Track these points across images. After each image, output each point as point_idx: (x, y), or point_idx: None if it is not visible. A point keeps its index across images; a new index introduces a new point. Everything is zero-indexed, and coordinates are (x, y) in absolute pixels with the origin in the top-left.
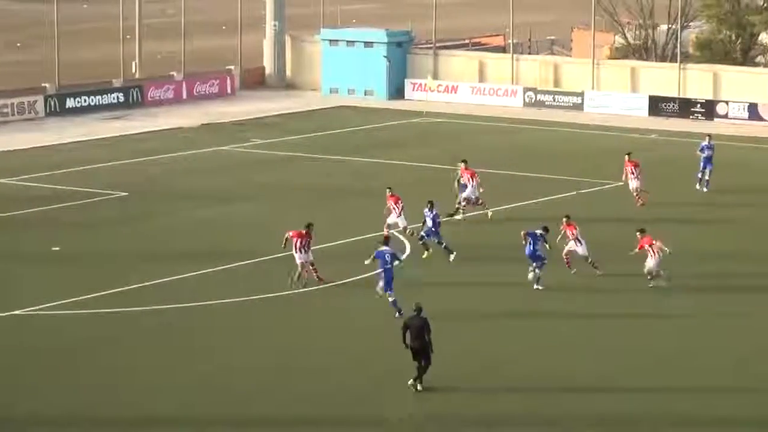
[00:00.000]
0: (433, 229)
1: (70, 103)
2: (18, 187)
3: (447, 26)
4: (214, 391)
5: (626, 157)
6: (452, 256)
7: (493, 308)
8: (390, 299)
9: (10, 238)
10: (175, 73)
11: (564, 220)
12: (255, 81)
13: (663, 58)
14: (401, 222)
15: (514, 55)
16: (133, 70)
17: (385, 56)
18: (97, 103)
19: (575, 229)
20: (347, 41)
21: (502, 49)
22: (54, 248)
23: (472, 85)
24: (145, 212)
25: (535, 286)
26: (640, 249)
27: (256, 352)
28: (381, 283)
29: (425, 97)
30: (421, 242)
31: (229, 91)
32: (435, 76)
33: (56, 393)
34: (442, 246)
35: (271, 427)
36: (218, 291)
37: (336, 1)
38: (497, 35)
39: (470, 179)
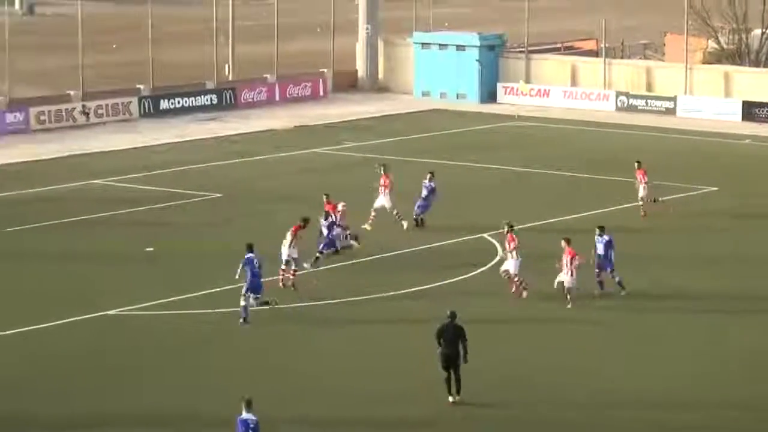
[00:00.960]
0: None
1: (163, 104)
2: (112, 187)
3: (539, 30)
4: (312, 393)
5: (636, 165)
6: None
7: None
8: (242, 303)
9: (105, 238)
10: (268, 76)
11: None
12: (347, 84)
13: (756, 63)
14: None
15: (607, 60)
16: (227, 73)
17: (477, 60)
18: (191, 105)
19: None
20: (440, 45)
21: (595, 54)
22: (147, 249)
23: (564, 89)
24: (237, 213)
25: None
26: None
27: (352, 353)
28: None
29: (517, 100)
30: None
31: (321, 93)
32: (527, 80)
33: (144, 392)
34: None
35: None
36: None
37: (429, 4)
38: (589, 39)
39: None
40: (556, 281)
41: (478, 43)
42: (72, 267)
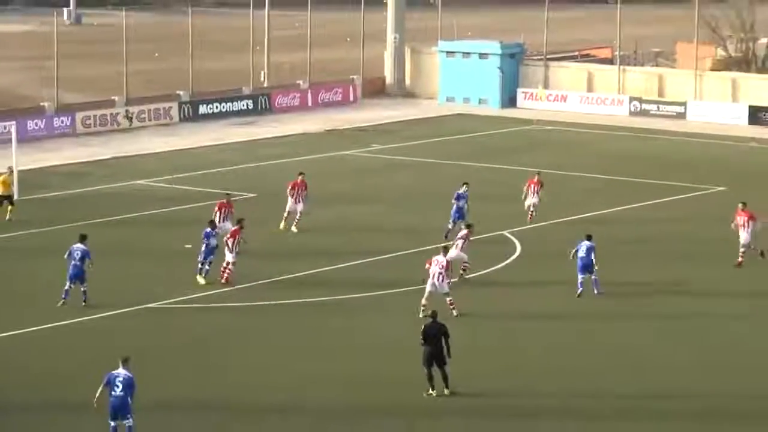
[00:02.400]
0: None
1: (202, 109)
2: (153, 188)
3: (557, 39)
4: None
5: (740, 206)
6: None
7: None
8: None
9: (146, 236)
10: (301, 82)
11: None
12: (376, 90)
13: (763, 70)
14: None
15: (621, 67)
16: (262, 79)
17: (498, 67)
18: (228, 110)
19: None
20: (463, 53)
21: (610, 61)
22: (186, 245)
23: (580, 95)
24: (272, 213)
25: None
26: None
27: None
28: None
29: (536, 105)
30: None
31: (351, 99)
32: (546, 86)
33: (181, 383)
34: None
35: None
36: (337, 288)
37: (453, 14)
38: (605, 47)
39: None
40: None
41: (500, 52)
42: (115, 262)
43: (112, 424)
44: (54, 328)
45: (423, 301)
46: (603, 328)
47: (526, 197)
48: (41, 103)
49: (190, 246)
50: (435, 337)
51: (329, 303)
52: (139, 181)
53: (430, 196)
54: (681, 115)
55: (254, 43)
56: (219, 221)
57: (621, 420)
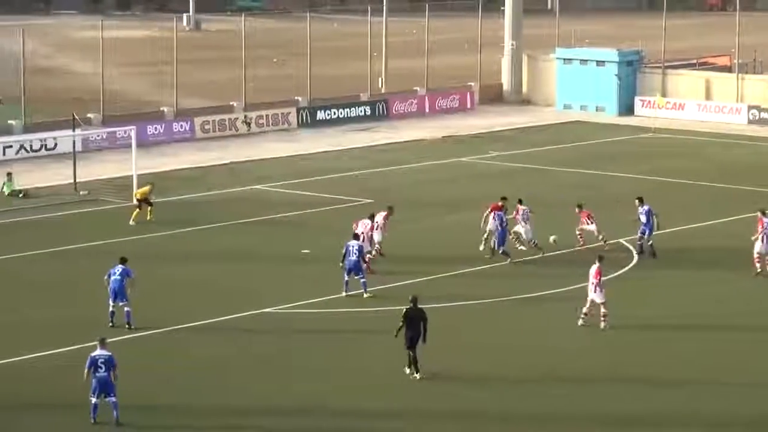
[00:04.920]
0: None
1: (320, 115)
2: (272, 192)
3: (675, 47)
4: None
5: (759, 213)
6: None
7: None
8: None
9: (264, 240)
10: (418, 88)
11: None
12: (493, 96)
13: None
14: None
15: (740, 75)
16: (380, 85)
17: (616, 74)
18: (346, 116)
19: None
20: (581, 60)
21: (728, 69)
22: (304, 251)
23: (698, 103)
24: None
25: None
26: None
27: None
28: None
29: (654, 113)
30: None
31: (468, 105)
32: (663, 94)
33: (297, 386)
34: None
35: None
36: (449, 293)
37: (571, 21)
38: (723, 55)
39: None
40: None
41: (617, 59)
42: (234, 266)
43: (94, 400)
44: (174, 332)
45: (584, 310)
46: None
47: (485, 222)
48: (161, 108)
49: (307, 251)
50: (416, 321)
51: (452, 308)
52: (256, 186)
53: (546, 203)
54: None
55: (372, 49)
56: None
57: None
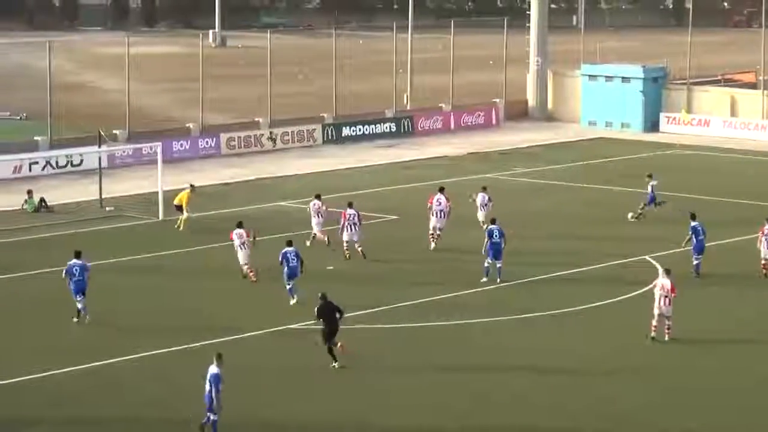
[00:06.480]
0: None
1: (345, 131)
2: (297, 209)
3: (700, 63)
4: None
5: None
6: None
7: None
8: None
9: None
10: (443, 105)
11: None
12: (518, 113)
13: None
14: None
15: (765, 91)
16: (405, 102)
17: (641, 91)
18: (371, 132)
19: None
20: (606, 76)
21: (753, 85)
22: (328, 267)
23: (723, 119)
24: (415, 235)
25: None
26: None
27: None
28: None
29: (679, 130)
30: None
31: (494, 122)
32: (688, 110)
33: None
34: None
35: None
36: (484, 311)
37: (596, 38)
38: (749, 72)
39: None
40: None
41: (643, 75)
42: (258, 282)
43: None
44: (209, 346)
45: (654, 323)
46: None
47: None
48: (186, 125)
49: (331, 268)
50: (331, 314)
51: (471, 325)
52: (282, 202)
53: (572, 219)
54: None
55: (397, 65)
56: None
57: None
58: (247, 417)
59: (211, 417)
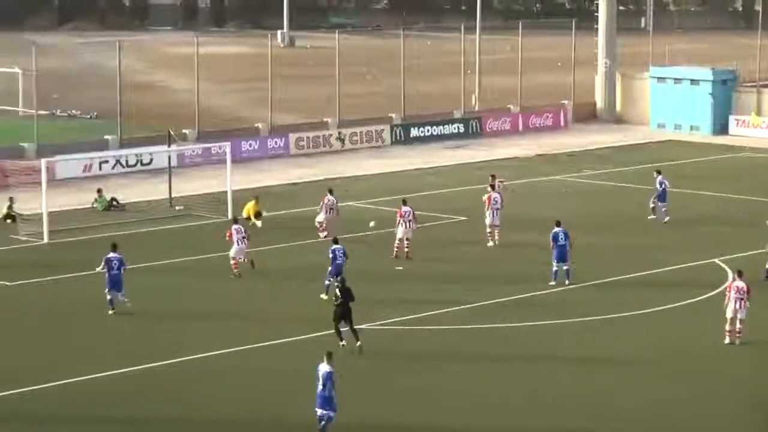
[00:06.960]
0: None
1: (414, 132)
2: (364, 209)
3: None
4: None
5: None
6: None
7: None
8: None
9: (361, 257)
10: (511, 106)
11: None
12: (587, 115)
13: None
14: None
15: None
16: (473, 103)
17: (710, 93)
18: (439, 133)
19: None
20: (675, 79)
21: None
22: (397, 267)
23: None
24: (480, 236)
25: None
26: None
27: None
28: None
29: (748, 133)
30: None
31: (562, 123)
32: (758, 113)
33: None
34: None
35: None
36: (554, 312)
37: (664, 40)
38: None
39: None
40: None
41: (712, 78)
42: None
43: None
44: (258, 349)
45: (726, 327)
46: None
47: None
48: (255, 125)
49: (400, 268)
50: (345, 298)
51: (544, 326)
52: (351, 203)
53: (640, 222)
54: None
55: (465, 66)
56: None
57: None
58: (310, 416)
59: (330, 414)
